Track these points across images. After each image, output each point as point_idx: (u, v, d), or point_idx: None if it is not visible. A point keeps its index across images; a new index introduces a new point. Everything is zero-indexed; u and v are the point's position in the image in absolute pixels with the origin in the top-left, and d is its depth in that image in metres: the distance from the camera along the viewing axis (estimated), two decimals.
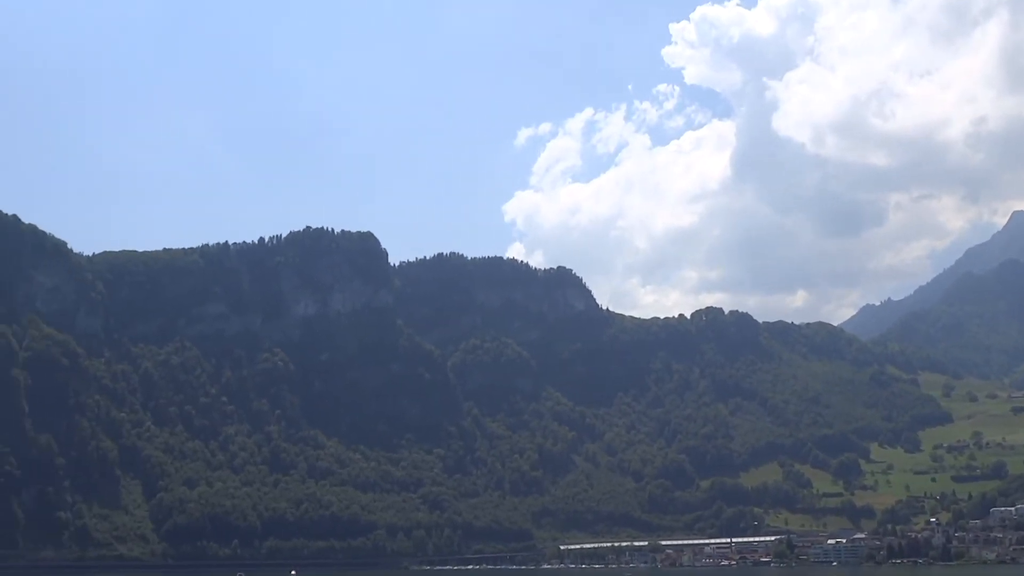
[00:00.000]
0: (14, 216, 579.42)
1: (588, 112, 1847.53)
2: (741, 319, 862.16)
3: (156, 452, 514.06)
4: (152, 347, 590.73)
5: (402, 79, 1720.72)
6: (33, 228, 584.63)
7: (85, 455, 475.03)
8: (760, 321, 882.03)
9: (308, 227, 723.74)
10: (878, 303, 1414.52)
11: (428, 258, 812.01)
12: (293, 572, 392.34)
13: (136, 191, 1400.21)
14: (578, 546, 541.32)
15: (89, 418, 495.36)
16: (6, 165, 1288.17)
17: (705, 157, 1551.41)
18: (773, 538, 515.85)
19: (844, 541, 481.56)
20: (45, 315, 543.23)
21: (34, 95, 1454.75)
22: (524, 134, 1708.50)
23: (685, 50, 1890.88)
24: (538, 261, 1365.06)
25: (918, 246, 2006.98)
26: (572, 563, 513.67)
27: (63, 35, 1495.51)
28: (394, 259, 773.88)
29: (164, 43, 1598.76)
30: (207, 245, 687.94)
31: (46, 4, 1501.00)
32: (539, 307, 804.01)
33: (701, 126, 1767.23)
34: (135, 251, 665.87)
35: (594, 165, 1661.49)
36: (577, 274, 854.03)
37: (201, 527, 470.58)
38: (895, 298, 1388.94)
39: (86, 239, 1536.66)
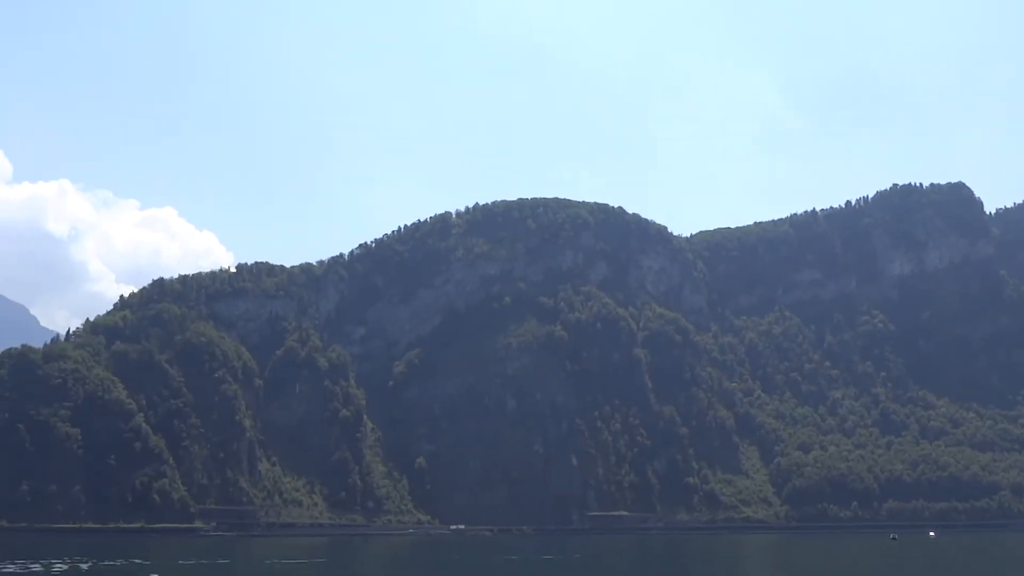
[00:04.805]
0: (619, 208, 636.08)
1: None
2: None
3: (768, 419, 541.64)
4: (754, 318, 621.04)
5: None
6: (637, 217, 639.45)
7: (704, 424, 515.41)
8: None
9: (895, 184, 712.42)
10: None
11: None
12: (932, 533, 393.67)
13: (720, 169, 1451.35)
14: None
15: (704, 389, 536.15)
16: (591, 158, 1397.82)
17: None
18: None
19: None
20: (655, 296, 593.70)
21: (602, 102, 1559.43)
22: None
23: None
24: None
25: None
26: None
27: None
28: (989, 207, 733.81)
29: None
30: (795, 214, 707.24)
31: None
32: None
33: None
34: (728, 228, 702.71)
35: None
36: None
37: (820, 490, 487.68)
38: None
39: (682, 222, 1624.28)
